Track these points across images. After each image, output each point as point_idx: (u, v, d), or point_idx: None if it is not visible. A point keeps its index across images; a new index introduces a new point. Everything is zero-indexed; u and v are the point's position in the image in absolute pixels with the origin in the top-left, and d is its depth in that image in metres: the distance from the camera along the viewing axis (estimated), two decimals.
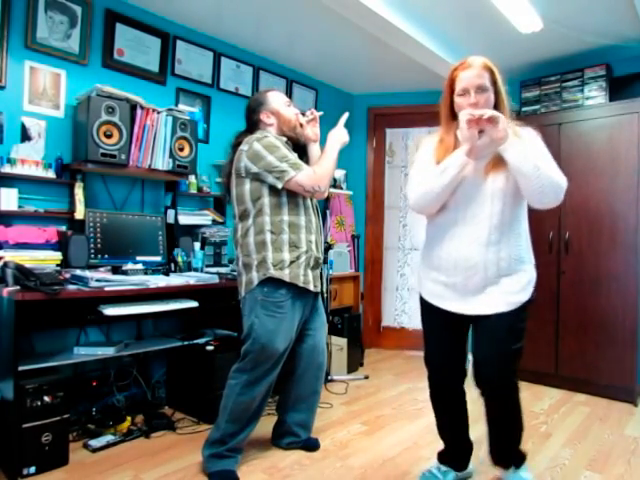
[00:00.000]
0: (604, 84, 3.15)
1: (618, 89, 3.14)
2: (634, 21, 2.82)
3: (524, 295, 1.64)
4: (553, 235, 3.23)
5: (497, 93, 1.63)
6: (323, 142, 2.16)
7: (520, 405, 1.73)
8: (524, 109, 3.47)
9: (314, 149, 2.21)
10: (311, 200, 2.13)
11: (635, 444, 2.37)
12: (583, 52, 3.28)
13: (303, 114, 2.18)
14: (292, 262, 1.97)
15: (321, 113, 2.20)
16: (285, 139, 2.10)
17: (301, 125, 2.15)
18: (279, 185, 1.95)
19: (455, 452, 1.91)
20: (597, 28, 2.95)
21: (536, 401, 2.98)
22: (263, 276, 1.95)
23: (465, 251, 1.62)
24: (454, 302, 1.68)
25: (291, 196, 2.01)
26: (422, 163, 1.73)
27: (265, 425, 2.47)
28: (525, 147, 1.53)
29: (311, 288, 2.02)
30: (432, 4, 2.74)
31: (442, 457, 1.92)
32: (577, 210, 3.14)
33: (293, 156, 2.00)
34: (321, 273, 2.16)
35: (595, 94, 3.18)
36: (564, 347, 3.18)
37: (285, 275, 1.95)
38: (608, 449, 2.31)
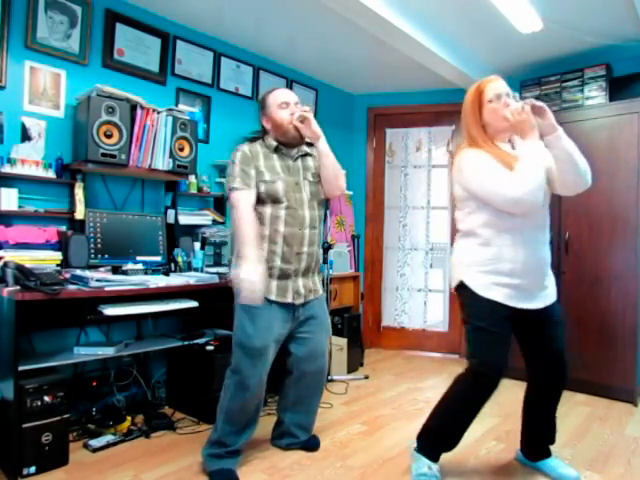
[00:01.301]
0: (604, 84, 3.15)
1: (618, 89, 3.13)
2: (634, 21, 2.82)
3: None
4: (553, 235, 3.20)
5: None
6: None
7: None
8: None
9: (319, 146, 2.08)
10: (287, 209, 2.02)
11: (635, 444, 2.37)
12: (583, 52, 3.28)
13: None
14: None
15: (307, 108, 2.06)
16: (275, 144, 2.06)
17: (295, 127, 2.04)
18: (226, 193, 2.11)
19: (452, 446, 1.95)
20: (597, 28, 2.95)
21: None
22: None
23: (540, 254, 1.84)
24: (525, 301, 1.83)
25: (258, 206, 2.00)
26: (492, 169, 1.75)
27: (265, 425, 2.47)
28: (563, 134, 1.75)
29: (272, 298, 1.98)
30: (432, 4, 2.74)
31: (435, 452, 1.95)
32: (577, 210, 3.14)
33: (242, 175, 1.97)
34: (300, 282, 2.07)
35: (595, 94, 3.18)
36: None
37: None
38: (608, 449, 2.31)
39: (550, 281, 1.91)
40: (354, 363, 3.60)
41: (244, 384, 1.97)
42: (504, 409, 2.81)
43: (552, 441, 2.05)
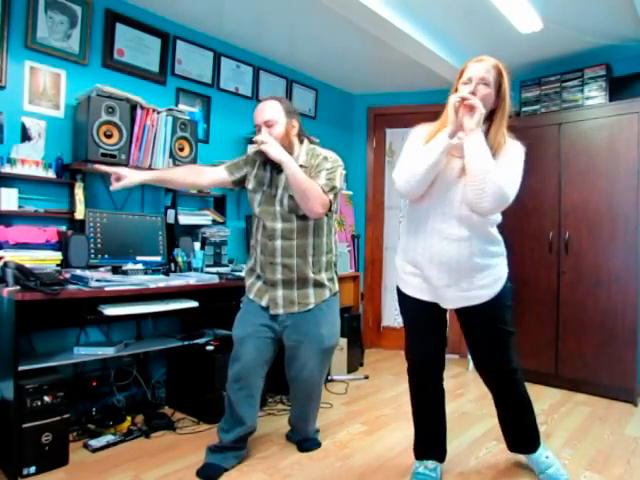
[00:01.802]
0: (604, 84, 3.15)
1: (618, 89, 3.13)
2: (634, 21, 2.82)
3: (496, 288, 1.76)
4: (553, 235, 3.23)
5: (500, 98, 1.67)
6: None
7: (524, 387, 1.90)
8: (524, 109, 3.47)
9: (284, 171, 1.94)
10: (260, 220, 2.05)
11: (635, 444, 2.37)
12: (583, 52, 3.28)
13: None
14: (249, 269, 2.16)
15: (261, 139, 1.93)
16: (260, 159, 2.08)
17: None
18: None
19: (437, 442, 1.96)
20: (597, 28, 2.95)
21: (536, 401, 2.94)
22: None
23: (437, 247, 1.70)
24: (431, 295, 1.78)
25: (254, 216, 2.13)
26: (411, 148, 1.77)
27: (265, 425, 2.47)
28: (485, 148, 1.59)
29: (250, 296, 2.11)
30: (432, 4, 2.74)
31: (424, 452, 1.96)
32: (577, 210, 3.14)
33: (231, 162, 2.14)
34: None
35: (595, 94, 3.18)
36: (564, 347, 3.18)
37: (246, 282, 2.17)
38: (608, 449, 2.30)
39: (476, 283, 1.72)
40: (354, 363, 3.60)
41: (231, 365, 2.07)
42: None
43: (529, 449, 1.95)
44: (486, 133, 1.66)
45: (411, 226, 1.79)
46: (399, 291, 1.90)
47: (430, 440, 1.96)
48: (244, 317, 2.12)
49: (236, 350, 2.07)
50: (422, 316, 1.84)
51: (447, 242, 1.66)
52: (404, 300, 1.88)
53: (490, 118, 1.68)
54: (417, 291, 1.80)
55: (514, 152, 1.68)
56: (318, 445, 2.28)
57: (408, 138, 1.85)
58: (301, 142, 2.07)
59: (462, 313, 1.81)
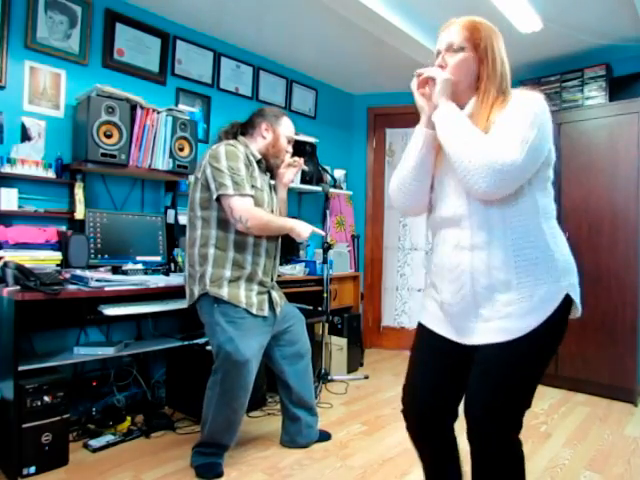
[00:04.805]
0: (604, 84, 3.15)
1: (618, 89, 3.13)
2: (634, 21, 2.82)
3: (534, 318, 1.15)
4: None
5: (483, 60, 1.27)
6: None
7: (520, 470, 1.22)
8: None
9: (281, 192, 2.26)
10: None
11: (635, 444, 2.37)
12: (583, 52, 3.28)
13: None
14: (232, 281, 1.95)
15: (305, 168, 2.32)
16: (260, 157, 2.11)
17: (282, 161, 2.20)
18: (214, 195, 1.91)
19: None
20: (597, 28, 2.95)
21: (536, 401, 2.95)
22: (202, 290, 1.96)
23: (447, 259, 1.25)
24: (447, 326, 1.29)
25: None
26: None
27: (265, 425, 2.47)
28: (458, 115, 1.19)
29: (253, 311, 1.97)
30: (432, 4, 2.74)
31: None
32: (577, 209, 3.14)
33: (247, 178, 1.95)
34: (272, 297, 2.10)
35: (595, 94, 3.18)
36: (564, 347, 3.13)
37: (224, 293, 1.93)
38: (608, 449, 2.30)
39: (499, 310, 1.16)
40: (354, 363, 3.59)
41: (230, 395, 1.97)
42: None
43: None
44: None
45: (430, 238, 1.42)
46: (419, 322, 1.40)
47: None
48: (247, 334, 1.95)
49: (246, 371, 1.92)
50: (433, 352, 1.33)
51: (459, 251, 1.20)
52: (419, 330, 1.39)
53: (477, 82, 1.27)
54: (432, 320, 1.32)
55: (515, 104, 1.18)
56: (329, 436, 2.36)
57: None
58: None
59: (475, 350, 1.22)
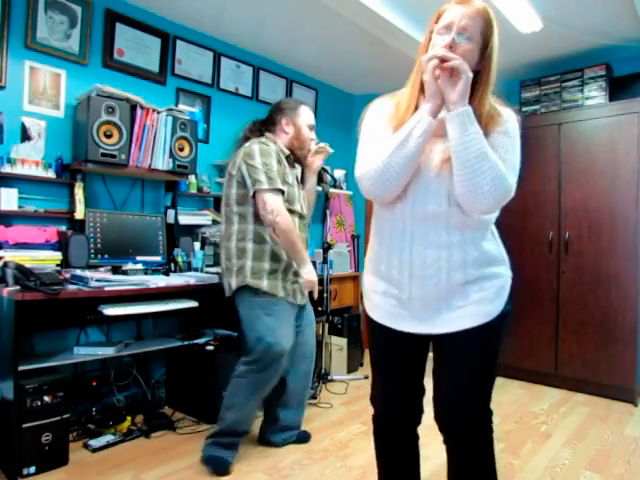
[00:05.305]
0: (604, 84, 3.15)
1: (618, 89, 3.13)
2: (634, 21, 2.82)
3: (499, 302, 1.26)
4: (553, 235, 3.23)
5: (486, 57, 1.20)
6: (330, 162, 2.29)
7: (494, 455, 1.30)
8: (524, 109, 3.47)
9: (310, 180, 2.29)
10: (300, 218, 2.16)
11: (635, 444, 2.37)
12: (583, 52, 3.28)
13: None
14: (271, 273, 2.04)
15: (332, 151, 2.28)
16: (288, 152, 2.16)
17: (308, 151, 2.23)
18: (250, 191, 1.99)
19: None
20: (597, 28, 2.95)
21: (536, 401, 2.98)
22: (241, 283, 2.01)
23: (419, 257, 1.23)
24: (409, 321, 1.28)
25: None
26: (374, 133, 1.29)
27: None
28: (477, 128, 1.14)
29: (290, 299, 2.08)
30: (432, 4, 2.71)
31: None
32: (577, 210, 3.14)
33: (280, 174, 2.03)
34: None
35: (595, 94, 3.18)
36: (564, 347, 3.18)
37: (264, 285, 2.01)
38: (608, 449, 2.30)
39: (472, 297, 1.23)
40: (354, 363, 3.59)
41: (265, 385, 2.06)
42: (504, 409, 2.81)
43: None
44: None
45: (383, 232, 1.32)
46: (367, 315, 1.39)
47: None
48: (284, 325, 2.06)
49: (281, 365, 2.04)
50: (394, 352, 1.34)
51: (432, 250, 1.21)
52: (372, 328, 1.37)
53: (472, 83, 1.16)
54: (388, 317, 1.30)
55: (512, 126, 1.22)
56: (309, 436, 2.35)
57: (365, 117, 1.36)
58: None
59: (443, 340, 1.27)
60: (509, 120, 1.23)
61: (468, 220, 1.21)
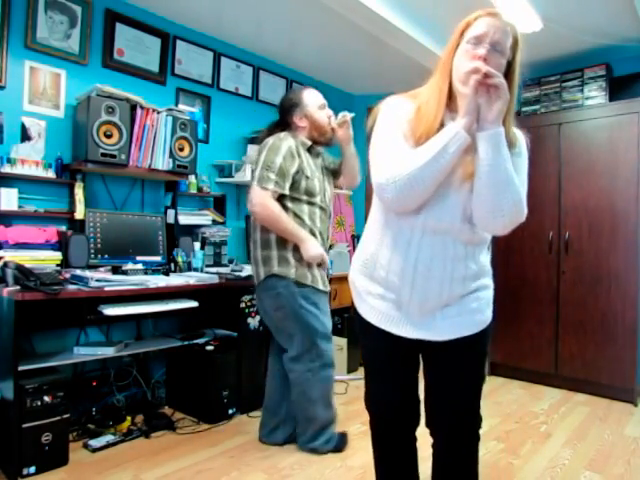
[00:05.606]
0: (604, 84, 3.15)
1: (618, 89, 3.13)
2: (634, 21, 2.82)
3: (489, 311, 1.31)
4: (553, 235, 3.23)
5: (510, 73, 1.17)
6: (356, 141, 2.26)
7: (478, 457, 1.38)
8: (524, 109, 3.47)
9: (348, 150, 2.27)
10: (322, 209, 2.18)
11: (635, 444, 2.37)
12: (583, 52, 3.28)
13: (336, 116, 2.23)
14: (297, 261, 2.08)
15: (352, 115, 2.22)
16: (310, 143, 2.16)
17: (332, 129, 2.21)
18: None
19: None
20: (597, 28, 2.95)
21: (536, 401, 2.98)
22: (268, 272, 2.08)
23: (424, 267, 1.24)
24: (405, 326, 1.28)
25: (293, 204, 2.08)
26: (398, 139, 1.21)
27: None
28: (507, 152, 1.14)
29: (320, 287, 2.13)
30: (432, 3, 2.74)
31: None
32: (577, 210, 3.14)
33: (284, 171, 2.03)
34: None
35: (595, 94, 3.18)
36: (564, 347, 3.18)
37: (291, 273, 2.06)
38: (608, 449, 2.30)
39: (469, 306, 1.27)
40: (354, 363, 3.59)
41: (328, 365, 2.18)
42: (504, 409, 2.81)
43: None
44: None
45: (384, 237, 1.29)
46: (359, 317, 1.38)
47: None
48: (326, 313, 2.20)
49: (332, 346, 2.23)
50: (389, 355, 1.35)
51: (438, 262, 1.21)
52: (365, 330, 1.36)
53: None
54: (385, 320, 1.30)
55: (524, 148, 1.25)
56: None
57: (381, 115, 1.29)
58: None
59: (436, 348, 1.28)
60: (521, 140, 1.25)
61: (475, 237, 1.23)
